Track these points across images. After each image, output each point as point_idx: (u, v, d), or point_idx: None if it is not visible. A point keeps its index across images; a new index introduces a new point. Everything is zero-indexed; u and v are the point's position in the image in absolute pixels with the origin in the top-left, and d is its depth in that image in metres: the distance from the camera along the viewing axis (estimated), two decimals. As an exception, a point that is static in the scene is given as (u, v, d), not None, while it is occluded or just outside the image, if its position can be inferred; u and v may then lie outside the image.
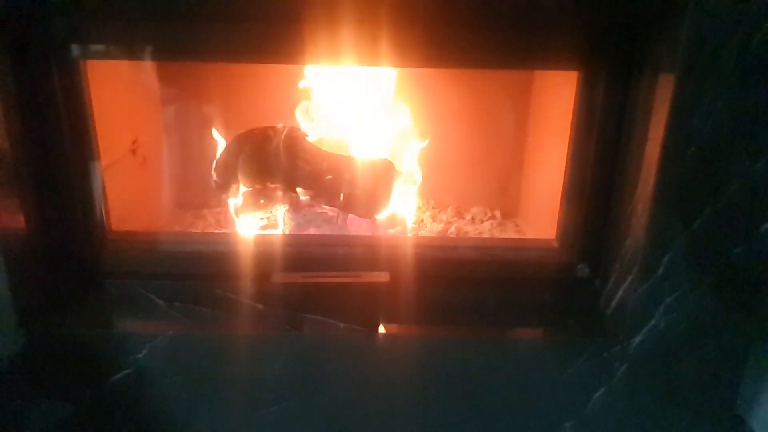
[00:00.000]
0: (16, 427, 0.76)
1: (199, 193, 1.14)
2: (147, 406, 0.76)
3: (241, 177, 0.98)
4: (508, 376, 0.76)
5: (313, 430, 0.78)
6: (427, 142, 1.09)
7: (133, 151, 1.01)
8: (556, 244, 0.86)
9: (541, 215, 1.06)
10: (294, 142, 0.97)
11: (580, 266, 0.83)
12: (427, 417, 0.78)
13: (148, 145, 1.06)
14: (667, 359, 0.74)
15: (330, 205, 0.99)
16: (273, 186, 0.99)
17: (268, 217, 1.01)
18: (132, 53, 0.76)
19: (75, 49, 0.75)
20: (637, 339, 0.73)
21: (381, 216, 0.99)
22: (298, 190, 0.99)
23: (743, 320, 0.72)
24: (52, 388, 0.75)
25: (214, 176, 0.99)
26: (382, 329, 0.76)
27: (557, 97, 0.95)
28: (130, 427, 0.77)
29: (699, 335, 0.72)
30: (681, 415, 0.77)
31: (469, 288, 0.85)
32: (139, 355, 0.74)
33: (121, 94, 0.93)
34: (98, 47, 0.75)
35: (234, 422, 0.78)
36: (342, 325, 0.76)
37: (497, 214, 1.22)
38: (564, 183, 0.83)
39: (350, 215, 1.02)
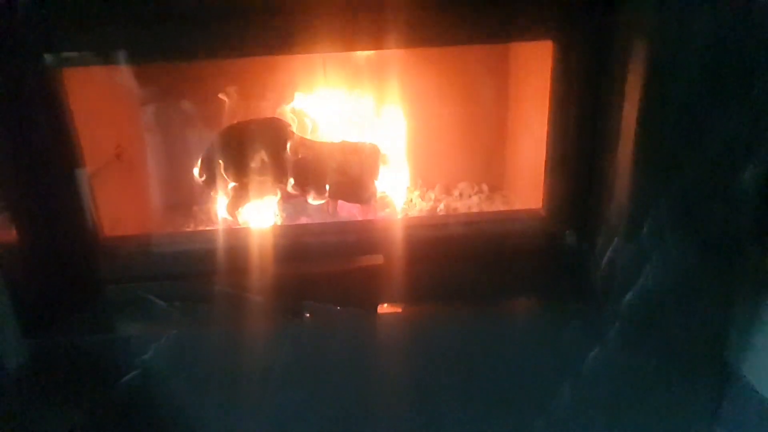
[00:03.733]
0: (33, 435, 0.77)
1: (188, 191, 1.15)
2: (158, 403, 0.78)
3: (227, 172, 0.99)
4: (505, 345, 0.78)
5: (320, 413, 0.80)
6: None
7: (118, 156, 1.01)
8: (543, 213, 0.88)
9: (527, 186, 1.07)
10: (278, 133, 0.97)
11: (567, 232, 0.85)
12: (430, 391, 0.80)
13: (132, 149, 1.06)
14: (656, 315, 0.76)
15: (319, 193, 1.00)
16: (260, 179, 0.99)
17: (258, 210, 1.02)
18: (108, 58, 0.75)
19: (49, 58, 0.74)
20: (627, 298, 0.75)
21: (370, 200, 1.00)
22: (286, 180, 0.99)
23: (728, 272, 0.74)
24: (64, 394, 0.76)
25: (200, 173, 0.99)
26: (380, 310, 0.78)
27: (535, 67, 0.95)
28: (143, 425, 0.79)
29: (686, 289, 0.75)
30: (673, 367, 0.80)
31: (462, 262, 0.86)
32: (146, 356, 0.75)
33: (100, 100, 0.93)
34: (73, 54, 0.75)
35: (243, 412, 0.79)
36: (341, 309, 0.78)
37: (484, 187, 1.24)
38: (546, 152, 0.85)
39: (340, 201, 1.03)
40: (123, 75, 0.98)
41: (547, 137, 0.83)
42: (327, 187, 0.98)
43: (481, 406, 0.81)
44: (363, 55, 1.03)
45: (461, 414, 0.81)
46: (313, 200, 0.99)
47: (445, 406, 0.81)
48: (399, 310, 0.79)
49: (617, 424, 0.83)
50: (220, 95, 1.02)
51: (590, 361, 0.78)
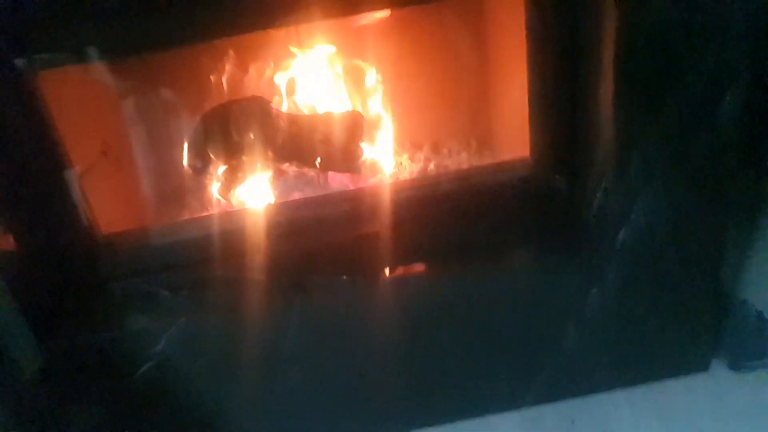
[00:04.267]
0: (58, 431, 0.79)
1: (178, 181, 1.15)
2: (176, 391, 0.80)
3: (214, 156, 0.99)
4: (508, 296, 0.79)
5: (332, 382, 0.82)
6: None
7: (105, 153, 1.00)
8: (531, 161, 0.88)
9: (514, 136, 1.07)
10: (259, 111, 0.97)
11: (557, 177, 0.85)
12: (439, 348, 0.82)
13: (118, 144, 1.05)
14: (651, 250, 0.77)
15: (308, 167, 1.00)
16: (248, 158, 0.99)
17: (250, 190, 1.02)
18: (82, 56, 0.74)
19: (22, 63, 0.74)
20: (621, 236, 0.76)
21: (360, 168, 1.01)
22: (274, 157, 0.99)
23: (717, 199, 0.75)
24: (83, 393, 0.78)
25: (188, 161, 0.99)
26: (384, 276, 0.79)
27: (510, 16, 0.94)
28: (164, 414, 0.81)
29: (678, 221, 0.76)
30: (672, 299, 0.81)
31: (457, 218, 0.86)
32: (158, 347, 0.76)
33: (78, 99, 0.92)
34: (45, 56, 0.74)
35: (258, 390, 0.81)
36: (344, 278, 0.79)
37: (472, 142, 1.23)
38: (528, 100, 0.84)
39: (330, 172, 1.03)
40: (99, 71, 0.96)
41: (528, 85, 0.83)
42: (318, 160, 0.98)
43: (489, 359, 0.83)
44: (337, 21, 1.02)
45: (470, 368, 0.84)
46: (298, 167, 0.99)
47: (455, 362, 0.83)
48: (402, 272, 0.80)
49: (622, 361, 0.85)
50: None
51: (591, 302, 0.80)
